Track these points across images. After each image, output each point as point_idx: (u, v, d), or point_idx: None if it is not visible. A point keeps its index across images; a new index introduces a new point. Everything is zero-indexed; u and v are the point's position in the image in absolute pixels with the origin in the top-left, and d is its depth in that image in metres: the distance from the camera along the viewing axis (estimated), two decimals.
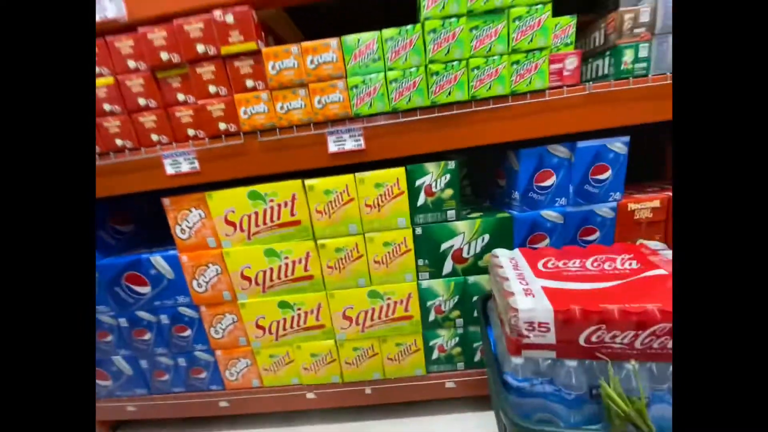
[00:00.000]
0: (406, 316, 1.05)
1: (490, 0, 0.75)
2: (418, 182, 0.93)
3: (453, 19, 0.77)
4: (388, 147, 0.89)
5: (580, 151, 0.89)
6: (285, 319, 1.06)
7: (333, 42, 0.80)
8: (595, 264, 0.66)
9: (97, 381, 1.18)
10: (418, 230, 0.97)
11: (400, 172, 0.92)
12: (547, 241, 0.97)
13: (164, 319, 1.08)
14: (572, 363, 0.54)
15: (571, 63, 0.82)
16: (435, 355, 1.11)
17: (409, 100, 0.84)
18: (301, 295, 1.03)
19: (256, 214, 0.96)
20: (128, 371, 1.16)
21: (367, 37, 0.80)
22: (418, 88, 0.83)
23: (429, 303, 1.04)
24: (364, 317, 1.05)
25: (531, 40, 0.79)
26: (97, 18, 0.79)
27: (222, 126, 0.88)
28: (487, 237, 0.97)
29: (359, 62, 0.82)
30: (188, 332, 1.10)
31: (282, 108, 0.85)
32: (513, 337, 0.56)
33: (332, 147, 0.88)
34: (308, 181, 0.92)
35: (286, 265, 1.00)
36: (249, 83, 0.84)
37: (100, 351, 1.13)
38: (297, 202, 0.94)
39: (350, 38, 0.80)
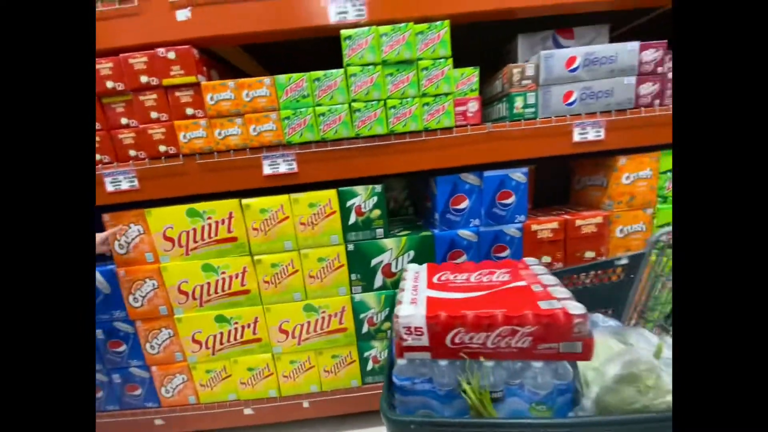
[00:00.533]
0: (340, 329, 1.12)
1: (400, 53, 0.90)
2: (348, 203, 1.03)
3: (370, 67, 0.91)
4: (318, 171, 0.99)
5: (487, 180, 1.03)
6: (222, 333, 1.09)
7: (266, 80, 0.91)
8: (477, 277, 0.77)
9: None
10: (351, 246, 1.06)
11: (332, 193, 1.01)
12: (464, 256, 1.09)
13: (99, 334, 1.08)
14: (443, 362, 0.63)
15: (473, 106, 0.97)
16: (370, 366, 1.17)
17: (336, 131, 0.95)
18: (238, 309, 1.08)
19: (195, 230, 1.01)
20: None
21: (297, 76, 0.92)
22: (343, 122, 0.95)
23: (362, 315, 1.11)
24: (300, 330, 1.11)
25: (437, 87, 0.94)
26: None
27: (162, 148, 0.95)
28: (412, 253, 1.08)
29: (290, 97, 0.93)
30: (123, 347, 1.10)
31: (220, 134, 0.94)
32: (396, 341, 0.65)
33: (267, 170, 0.97)
34: (245, 201, 1.00)
35: (223, 279, 1.05)
36: (189, 111, 0.93)
37: None
38: (234, 219, 1.01)
39: (282, 77, 0.92)
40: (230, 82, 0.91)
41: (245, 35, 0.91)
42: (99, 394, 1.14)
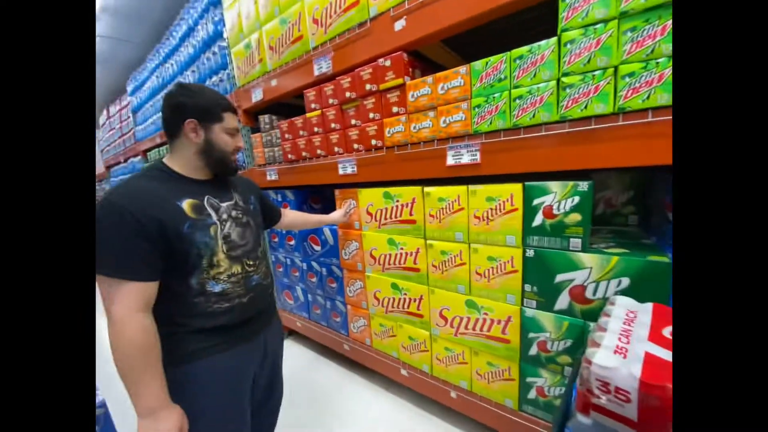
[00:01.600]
0: (502, 339, 1.01)
1: None
2: (536, 201, 0.87)
3: (599, 25, 0.68)
4: (503, 162, 0.89)
5: None
6: (394, 299, 1.28)
7: (462, 68, 0.90)
8: None
9: (286, 299, 1.88)
10: (530, 252, 0.91)
11: (515, 187, 0.89)
12: None
13: (323, 271, 1.57)
14: None
15: None
16: (532, 394, 1.00)
17: (534, 115, 0.81)
18: (409, 282, 1.22)
19: (387, 209, 1.22)
20: (302, 299, 1.77)
21: (495, 59, 0.84)
22: (545, 103, 0.78)
23: (532, 335, 0.95)
24: (458, 322, 1.10)
25: None
26: (316, 72, 1.27)
27: (374, 142, 1.18)
28: (626, 281, 0.77)
29: (484, 83, 0.87)
30: (335, 285, 1.54)
31: (414, 127, 1.04)
32: (581, 390, 0.49)
33: (450, 160, 0.99)
34: (426, 188, 1.07)
35: (401, 254, 1.21)
36: (395, 109, 1.09)
37: (291, 280, 1.79)
38: (416, 204, 1.12)
39: (478, 63, 0.87)
40: (429, 78, 0.97)
41: (447, 28, 0.93)
42: (318, 312, 1.68)
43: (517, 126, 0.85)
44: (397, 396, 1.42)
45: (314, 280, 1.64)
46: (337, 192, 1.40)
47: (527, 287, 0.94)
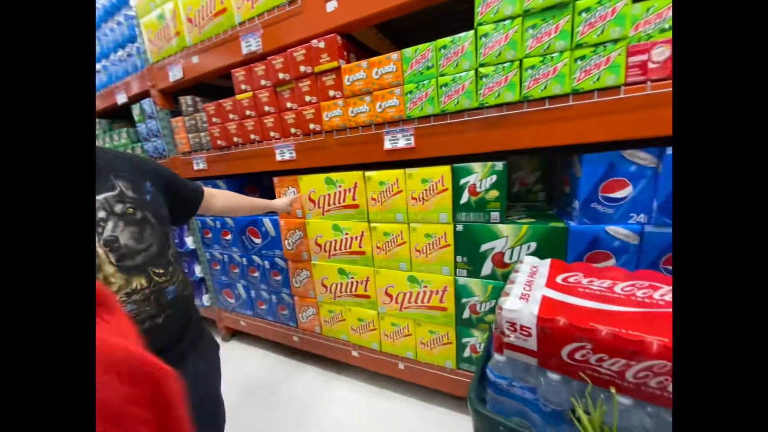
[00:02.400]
0: (440, 307, 1.11)
1: None
2: (462, 180, 0.97)
3: (507, 21, 0.78)
4: (435, 146, 0.97)
5: (671, 160, 0.73)
6: (341, 284, 1.30)
7: (394, 55, 0.94)
8: (628, 288, 0.56)
9: (226, 299, 1.76)
10: (459, 227, 1.01)
11: (445, 169, 0.98)
12: (613, 261, 0.84)
13: (266, 264, 1.50)
14: (555, 376, 0.52)
15: (660, 54, 0.68)
16: (467, 353, 1.13)
17: (457, 102, 0.89)
18: (355, 266, 1.24)
19: (329, 195, 1.22)
20: (244, 296, 1.67)
21: (423, 47, 0.90)
22: (466, 91, 0.87)
23: (464, 300, 1.07)
24: (402, 297, 1.18)
25: (602, 32, 0.70)
26: (245, 51, 1.18)
27: (312, 126, 1.15)
28: (534, 245, 0.92)
29: (414, 70, 0.93)
30: (279, 277, 1.49)
31: (352, 112, 1.05)
32: (496, 333, 0.58)
33: (387, 144, 1.03)
34: (367, 173, 1.10)
35: (346, 239, 1.23)
36: (331, 93, 1.08)
37: (231, 278, 1.67)
38: (358, 189, 1.14)
39: (408, 50, 0.92)
40: (363, 62, 0.99)
41: (378, 14, 0.95)
42: (263, 307, 1.61)
43: (445, 112, 0.92)
44: (350, 378, 1.46)
45: (256, 275, 1.56)
46: (275, 180, 1.34)
47: (458, 258, 1.04)
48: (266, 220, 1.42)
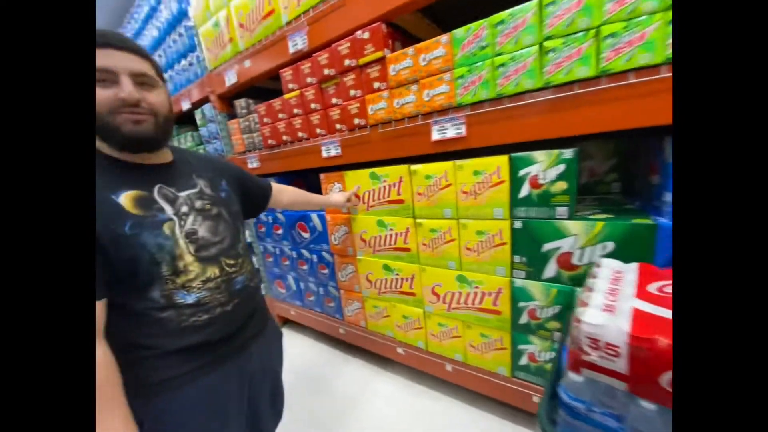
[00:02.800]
0: (494, 310, 1.03)
1: None
2: (522, 172, 0.87)
3: None
4: (489, 134, 0.88)
5: None
6: (386, 279, 1.28)
7: (443, 38, 0.86)
8: None
9: (278, 289, 1.86)
10: (518, 224, 0.91)
11: (502, 160, 0.89)
12: None
13: (313, 258, 1.55)
14: (650, 406, 0.43)
15: None
16: (524, 361, 1.03)
17: (517, 83, 0.79)
18: (400, 263, 1.21)
19: (374, 191, 1.20)
20: (294, 287, 1.75)
21: (476, 25, 0.81)
22: (528, 70, 0.77)
23: (522, 304, 0.97)
24: (450, 298, 1.12)
25: None
26: (291, 50, 1.20)
27: (356, 121, 1.14)
28: (610, 245, 0.79)
29: (466, 52, 0.84)
30: (326, 271, 1.53)
31: (397, 103, 1.01)
32: (572, 349, 0.50)
33: (435, 135, 0.96)
34: (413, 167, 1.05)
35: (391, 235, 1.20)
36: (375, 85, 1.05)
37: (282, 270, 1.77)
38: (403, 183, 1.10)
39: (459, 31, 0.84)
40: (410, 49, 0.93)
41: None
42: (311, 298, 1.67)
43: (501, 95, 0.83)
44: (394, 374, 1.45)
45: (305, 267, 1.62)
46: (322, 176, 1.36)
47: (516, 258, 0.95)
48: (314, 216, 1.46)
